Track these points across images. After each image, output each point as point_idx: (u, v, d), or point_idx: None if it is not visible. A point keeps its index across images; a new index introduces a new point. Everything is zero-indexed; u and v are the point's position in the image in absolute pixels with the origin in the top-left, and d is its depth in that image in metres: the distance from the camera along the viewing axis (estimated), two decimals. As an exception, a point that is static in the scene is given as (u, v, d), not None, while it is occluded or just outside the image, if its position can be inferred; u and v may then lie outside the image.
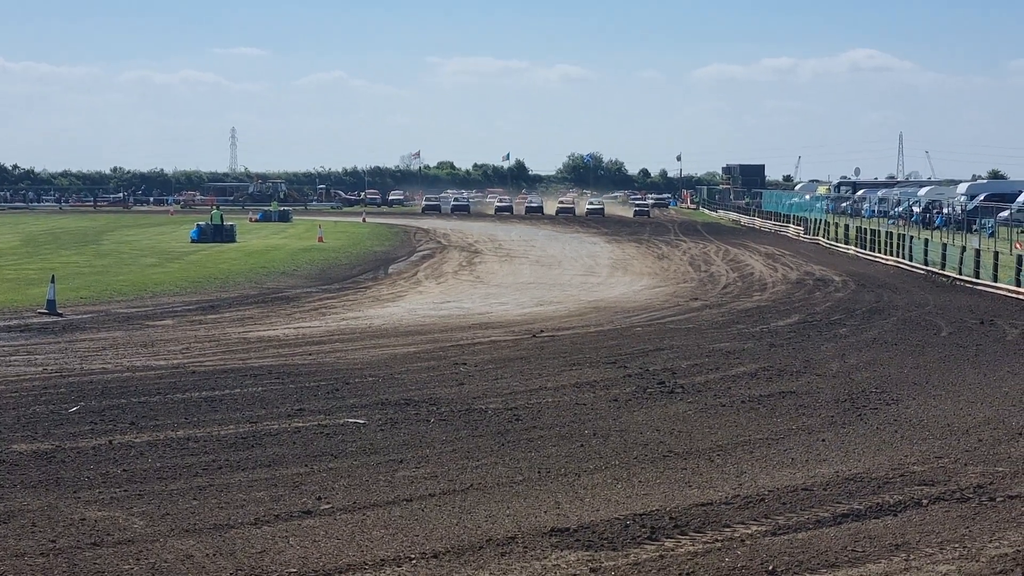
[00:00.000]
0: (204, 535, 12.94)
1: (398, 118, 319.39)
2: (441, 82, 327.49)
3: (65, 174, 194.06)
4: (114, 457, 16.39)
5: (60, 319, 31.88)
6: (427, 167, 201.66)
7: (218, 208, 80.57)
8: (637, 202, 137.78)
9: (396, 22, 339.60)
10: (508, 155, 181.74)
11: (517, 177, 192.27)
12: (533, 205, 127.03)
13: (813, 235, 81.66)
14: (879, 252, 62.98)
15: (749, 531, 13.41)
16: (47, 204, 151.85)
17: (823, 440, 18.34)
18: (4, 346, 26.96)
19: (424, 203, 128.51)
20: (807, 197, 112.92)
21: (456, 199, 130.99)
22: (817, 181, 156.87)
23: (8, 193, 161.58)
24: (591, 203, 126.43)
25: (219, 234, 69.55)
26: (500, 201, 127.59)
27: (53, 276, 35.21)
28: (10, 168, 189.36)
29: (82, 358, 25.24)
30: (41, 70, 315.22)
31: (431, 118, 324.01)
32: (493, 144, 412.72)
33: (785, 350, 28.08)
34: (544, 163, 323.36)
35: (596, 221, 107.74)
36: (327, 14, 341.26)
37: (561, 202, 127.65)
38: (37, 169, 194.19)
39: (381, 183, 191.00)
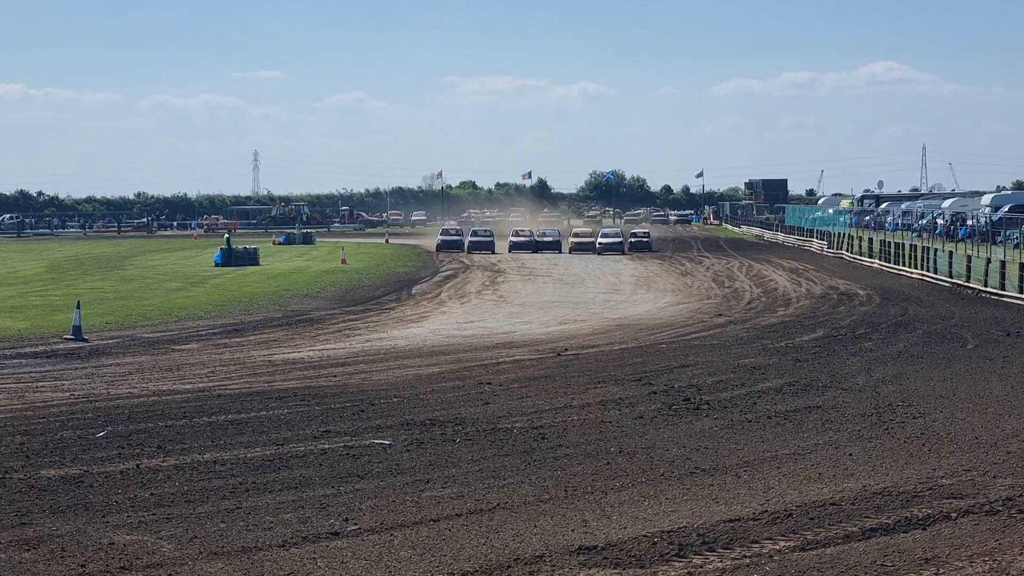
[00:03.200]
0: (232, 558, 12.96)
1: (418, 137, 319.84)
2: (460, 101, 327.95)
3: (89, 200, 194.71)
4: (142, 481, 16.43)
5: (86, 344, 31.96)
6: (449, 187, 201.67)
7: (229, 232, 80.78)
8: (634, 231, 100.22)
9: (413, 42, 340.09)
10: (530, 173, 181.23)
11: (539, 195, 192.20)
12: (547, 240, 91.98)
13: (837, 249, 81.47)
14: (903, 265, 62.80)
15: (777, 547, 13.38)
16: (72, 230, 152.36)
17: (850, 455, 18.29)
18: (31, 372, 27.06)
19: (439, 239, 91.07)
20: (830, 211, 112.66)
21: (476, 235, 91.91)
22: (840, 195, 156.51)
23: (33, 220, 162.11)
24: (605, 234, 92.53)
25: (230, 257, 69.45)
26: (517, 235, 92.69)
27: (79, 302, 35.30)
28: (35, 195, 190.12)
29: (108, 383, 25.31)
30: (63, 96, 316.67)
31: (451, 137, 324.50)
32: (515, 162, 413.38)
33: (811, 365, 28.02)
34: (566, 181, 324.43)
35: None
36: (344, 36, 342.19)
37: (576, 234, 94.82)
38: (61, 195, 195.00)
39: (403, 203, 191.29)
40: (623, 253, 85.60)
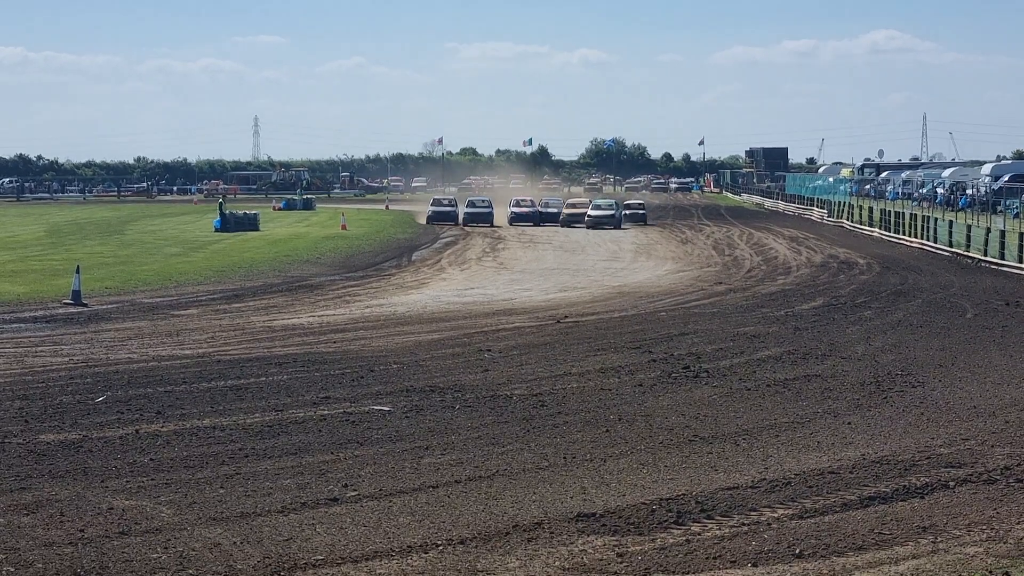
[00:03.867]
0: (231, 523, 12.98)
1: (419, 104, 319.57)
2: (461, 67, 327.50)
3: (89, 164, 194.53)
4: (141, 446, 16.45)
5: (85, 309, 31.96)
6: (450, 153, 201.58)
7: (223, 198, 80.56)
8: (628, 202, 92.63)
9: (414, 8, 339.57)
10: (530, 140, 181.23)
11: (540, 162, 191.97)
12: (551, 211, 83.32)
13: (837, 218, 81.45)
14: (903, 234, 62.78)
15: (776, 515, 13.41)
16: (71, 195, 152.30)
17: (849, 423, 18.31)
18: (31, 337, 27.06)
19: (430, 210, 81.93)
20: (830, 180, 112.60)
21: (472, 205, 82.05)
22: (840, 163, 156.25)
23: (33, 184, 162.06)
24: (598, 206, 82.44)
25: (227, 223, 69.17)
26: (518, 206, 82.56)
27: (78, 267, 35.28)
28: (34, 159, 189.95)
29: (108, 348, 25.32)
30: (62, 60, 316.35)
31: (452, 104, 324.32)
32: (515, 129, 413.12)
33: (810, 333, 28.02)
34: (567, 148, 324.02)
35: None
36: (345, 1, 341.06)
37: (571, 204, 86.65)
38: (61, 160, 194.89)
39: (404, 170, 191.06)
40: (617, 227, 76.31)
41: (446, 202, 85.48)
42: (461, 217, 79.54)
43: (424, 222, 79.20)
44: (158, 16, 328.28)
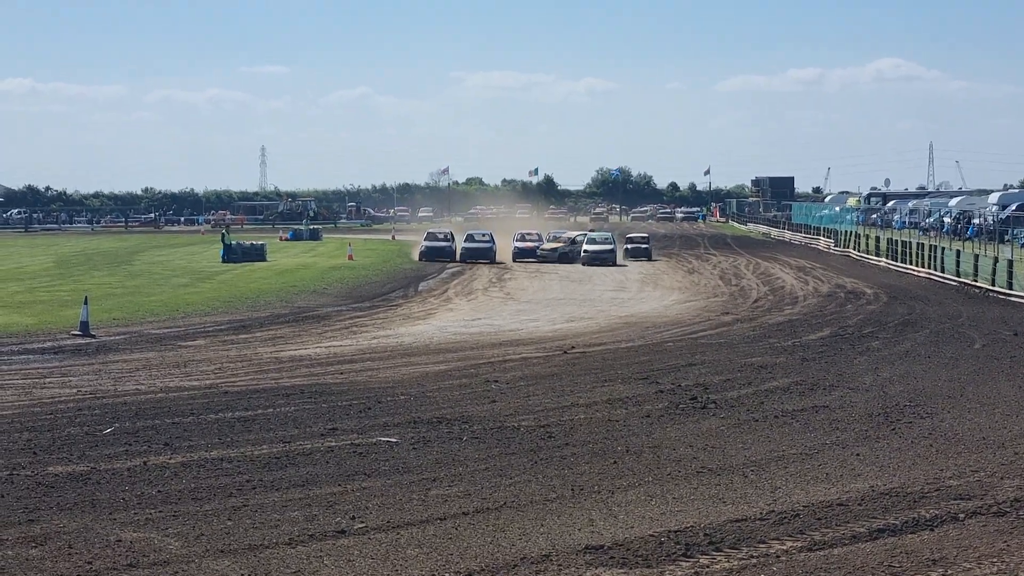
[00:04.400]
0: (239, 555, 12.97)
1: (425, 133, 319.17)
2: (466, 96, 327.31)
3: (97, 195, 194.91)
4: (149, 478, 16.45)
5: (93, 340, 31.98)
6: (456, 183, 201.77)
7: (226, 228, 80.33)
8: (630, 235, 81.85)
9: (419, 37, 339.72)
10: (536, 170, 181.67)
11: (546, 192, 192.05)
12: (559, 246, 73.76)
13: (844, 247, 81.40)
14: (911, 264, 62.75)
15: (784, 547, 13.38)
16: (79, 225, 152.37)
17: (857, 455, 18.28)
18: (39, 368, 27.08)
19: (423, 245, 73.85)
20: (837, 209, 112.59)
21: (471, 239, 73.60)
22: (847, 192, 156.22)
23: (41, 214, 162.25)
24: (593, 240, 73.70)
25: (230, 254, 69.18)
26: (523, 240, 74.86)
27: (86, 297, 35.33)
28: (43, 190, 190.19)
29: (115, 379, 25.33)
30: (70, 91, 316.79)
31: (458, 133, 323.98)
32: (521, 159, 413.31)
33: (818, 364, 28.00)
34: (573, 177, 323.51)
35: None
36: (350, 31, 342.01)
37: (555, 238, 77.54)
38: (69, 191, 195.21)
39: (410, 199, 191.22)
40: (614, 264, 68.83)
41: (441, 236, 75.89)
42: (459, 252, 71.61)
43: (417, 258, 71.75)
44: (164, 47, 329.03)
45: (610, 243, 72.29)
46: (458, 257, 71.22)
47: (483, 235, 75.50)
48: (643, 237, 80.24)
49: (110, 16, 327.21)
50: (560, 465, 17.46)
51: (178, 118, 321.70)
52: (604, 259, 69.25)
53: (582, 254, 70.64)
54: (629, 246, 75.87)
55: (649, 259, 73.75)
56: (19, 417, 20.62)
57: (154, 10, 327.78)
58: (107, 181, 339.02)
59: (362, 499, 15.40)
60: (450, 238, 74.79)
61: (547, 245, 73.58)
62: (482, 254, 71.35)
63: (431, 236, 75.73)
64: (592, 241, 72.73)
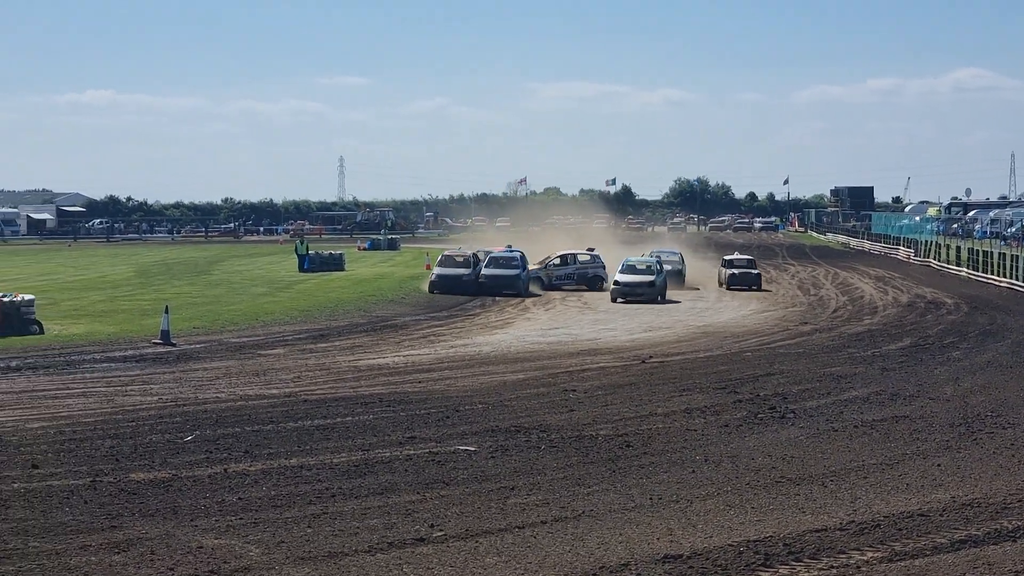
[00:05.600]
0: (319, 563, 13.04)
1: (502, 143, 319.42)
2: (542, 107, 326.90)
3: (177, 205, 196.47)
4: (229, 485, 16.57)
5: (174, 349, 32.25)
6: (534, 193, 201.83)
7: (300, 239, 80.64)
8: (728, 257, 62.23)
9: (496, 48, 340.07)
10: (614, 180, 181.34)
11: (623, 202, 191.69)
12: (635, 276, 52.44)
13: (923, 257, 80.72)
14: (992, 274, 62.11)
15: (865, 558, 13.29)
16: (160, 235, 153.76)
17: (938, 465, 18.13)
18: (121, 376, 27.35)
19: (435, 273, 54.85)
20: (917, 219, 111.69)
21: (496, 264, 54.83)
22: (927, 202, 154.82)
23: (122, 224, 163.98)
24: (630, 267, 52.77)
25: (304, 264, 69.73)
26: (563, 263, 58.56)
27: (167, 307, 35.64)
28: (124, 200, 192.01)
29: (196, 387, 25.54)
30: (151, 102, 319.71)
31: (535, 143, 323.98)
32: (599, 168, 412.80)
33: (897, 374, 27.80)
34: (650, 187, 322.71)
35: (703, 244, 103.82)
36: (427, 42, 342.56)
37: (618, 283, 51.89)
38: (150, 201, 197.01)
39: (487, 210, 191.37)
40: (658, 301, 50.35)
41: (461, 260, 56.15)
42: (480, 279, 53.70)
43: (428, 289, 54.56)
44: (243, 59, 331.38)
45: (650, 273, 52.25)
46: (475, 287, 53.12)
47: (510, 256, 56.53)
48: (747, 261, 61.59)
49: (190, 28, 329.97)
50: (638, 474, 17.44)
51: (257, 129, 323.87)
52: (643, 293, 50.87)
53: (613, 286, 52.12)
54: (733, 271, 58.54)
55: (758, 288, 56.98)
56: (102, 424, 20.84)
57: (234, 22, 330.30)
58: (187, 191, 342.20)
59: (441, 507, 15.44)
60: (471, 262, 55.46)
61: (619, 277, 51.81)
62: (506, 283, 53.53)
63: (447, 261, 56.17)
64: (627, 270, 52.49)
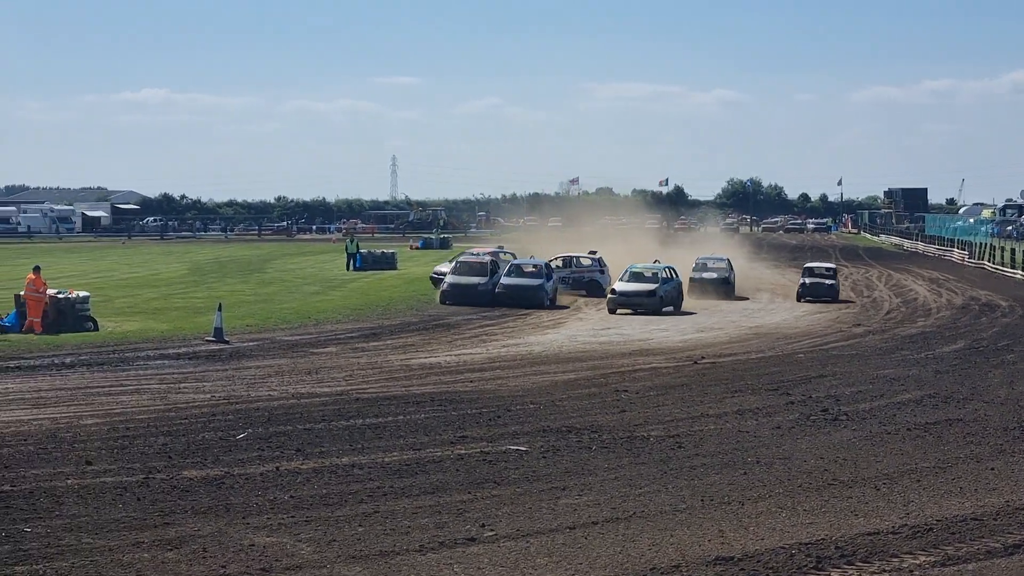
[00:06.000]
0: (370, 561, 13.07)
1: (554, 144, 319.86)
2: (596, 107, 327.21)
3: (231, 203, 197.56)
4: (281, 483, 16.63)
5: (227, 347, 32.40)
6: (586, 193, 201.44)
7: (350, 237, 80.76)
8: (809, 265, 56.85)
9: (549, 48, 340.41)
10: (667, 180, 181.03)
11: (676, 202, 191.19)
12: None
13: (978, 259, 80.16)
14: (1047, 276, 61.63)
15: (917, 561, 13.22)
16: (213, 233, 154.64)
17: (992, 469, 18.00)
18: (174, 373, 27.50)
19: (447, 282, 49.05)
20: (971, 221, 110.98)
21: (517, 272, 49.53)
22: (982, 204, 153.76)
23: (176, 222, 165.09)
24: (635, 275, 47.82)
25: (355, 263, 70.03)
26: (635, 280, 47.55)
27: (220, 304, 35.80)
28: (178, 198, 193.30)
29: (248, 385, 25.66)
30: (205, 101, 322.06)
31: (588, 143, 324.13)
32: (651, 169, 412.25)
33: (951, 377, 27.62)
34: (703, 188, 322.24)
35: (754, 243, 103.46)
36: (481, 42, 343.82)
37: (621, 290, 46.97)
38: (204, 199, 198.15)
39: (539, 209, 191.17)
40: (656, 312, 45.43)
41: (478, 266, 50.75)
42: (497, 289, 48.23)
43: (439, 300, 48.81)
44: (297, 58, 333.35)
45: (654, 282, 47.16)
46: (492, 299, 47.79)
47: (531, 266, 50.97)
48: (827, 270, 55.35)
49: (245, 28, 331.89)
50: (690, 476, 17.39)
51: (311, 128, 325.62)
52: (644, 303, 45.83)
53: (609, 296, 47.59)
54: (808, 280, 52.95)
55: (836, 299, 51.50)
56: (155, 421, 20.97)
57: (288, 22, 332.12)
58: (240, 190, 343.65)
59: (492, 507, 15.45)
60: (488, 269, 50.17)
61: (620, 285, 47.50)
62: (528, 294, 47.91)
63: (462, 267, 50.80)
64: (631, 278, 47.78)
